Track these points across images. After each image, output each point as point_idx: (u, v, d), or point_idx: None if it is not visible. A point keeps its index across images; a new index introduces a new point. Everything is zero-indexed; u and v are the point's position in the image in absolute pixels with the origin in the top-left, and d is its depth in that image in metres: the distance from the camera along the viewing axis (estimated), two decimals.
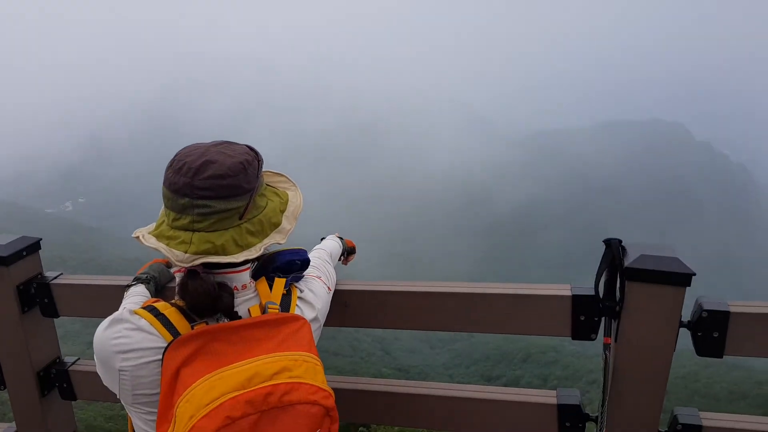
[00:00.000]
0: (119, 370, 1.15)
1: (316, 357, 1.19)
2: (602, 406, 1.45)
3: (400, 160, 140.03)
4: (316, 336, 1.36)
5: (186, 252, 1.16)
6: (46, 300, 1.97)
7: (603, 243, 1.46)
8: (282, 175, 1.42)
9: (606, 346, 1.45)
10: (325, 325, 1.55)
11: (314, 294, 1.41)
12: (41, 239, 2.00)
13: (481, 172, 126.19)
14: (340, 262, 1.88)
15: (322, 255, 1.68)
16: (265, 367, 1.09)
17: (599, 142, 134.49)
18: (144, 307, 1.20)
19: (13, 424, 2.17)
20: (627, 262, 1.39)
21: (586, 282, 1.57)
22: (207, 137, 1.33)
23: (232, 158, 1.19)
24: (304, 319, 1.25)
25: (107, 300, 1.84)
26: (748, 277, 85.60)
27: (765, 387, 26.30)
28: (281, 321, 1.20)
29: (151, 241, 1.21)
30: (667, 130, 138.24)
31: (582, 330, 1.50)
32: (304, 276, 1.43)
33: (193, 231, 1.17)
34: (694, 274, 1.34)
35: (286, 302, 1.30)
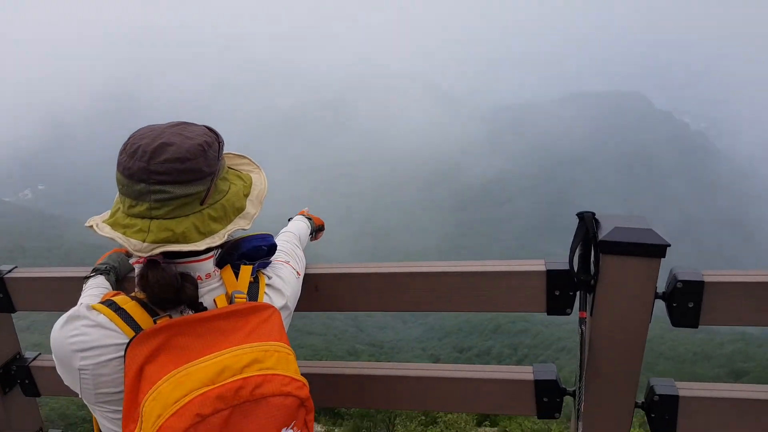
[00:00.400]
0: (79, 370, 1.09)
1: (287, 346, 1.14)
2: (579, 380, 1.44)
3: (367, 137, 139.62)
4: (286, 323, 1.32)
5: (144, 241, 1.09)
6: (0, 295, 1.87)
7: (576, 217, 1.43)
8: (244, 157, 1.35)
9: (582, 321, 1.43)
10: (295, 309, 1.50)
11: (283, 280, 1.35)
12: None
13: (448, 148, 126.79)
14: (310, 239, 1.83)
15: (291, 238, 1.62)
16: (234, 360, 1.03)
17: (562, 114, 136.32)
18: (102, 302, 1.13)
19: None
20: (601, 235, 1.37)
21: (556, 253, 1.54)
22: (171, 118, 1.26)
23: (190, 140, 1.12)
24: (273, 307, 1.20)
25: (66, 292, 1.76)
26: (710, 242, 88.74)
27: (726, 348, 27.53)
28: (249, 310, 1.15)
29: (106, 230, 1.13)
30: (628, 100, 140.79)
31: (557, 305, 1.49)
32: (271, 261, 1.38)
33: (151, 218, 1.09)
34: (669, 245, 1.32)
35: (253, 290, 1.25)
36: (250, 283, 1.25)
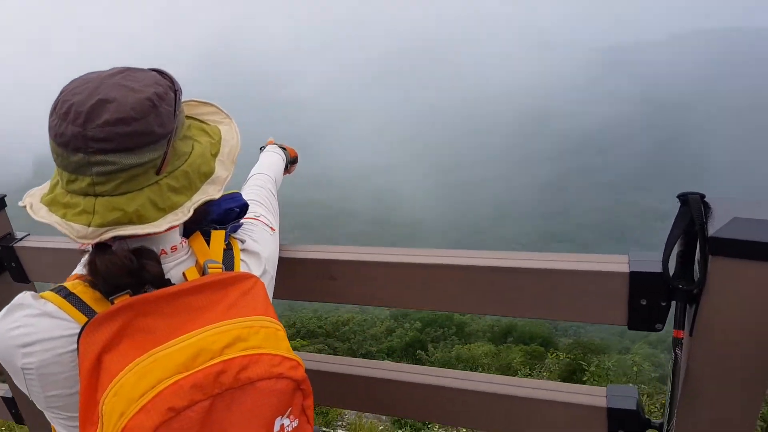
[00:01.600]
0: (23, 369, 0.90)
1: (275, 320, 0.95)
2: (669, 417, 1.08)
3: (457, 84, 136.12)
4: (269, 293, 1.12)
5: (89, 225, 0.87)
6: (13, 264, 1.75)
7: (678, 199, 1.03)
8: (211, 105, 1.09)
9: (677, 341, 1.06)
10: (309, 299, 1.34)
11: (257, 242, 1.15)
12: (5, 196, 1.76)
13: (545, 94, 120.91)
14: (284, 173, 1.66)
15: (265, 182, 1.39)
16: (212, 340, 0.85)
17: (674, 54, 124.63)
18: (53, 288, 0.94)
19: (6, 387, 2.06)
20: (712, 229, 0.97)
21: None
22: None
23: (135, 93, 0.88)
24: (255, 276, 0.99)
25: (74, 264, 1.61)
26: None
27: None
28: (227, 281, 0.95)
29: (42, 214, 0.92)
30: (750, 38, 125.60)
31: (642, 318, 1.11)
32: (242, 223, 1.15)
33: (96, 196, 0.87)
34: None
35: (228, 258, 1.04)
36: (224, 250, 1.05)
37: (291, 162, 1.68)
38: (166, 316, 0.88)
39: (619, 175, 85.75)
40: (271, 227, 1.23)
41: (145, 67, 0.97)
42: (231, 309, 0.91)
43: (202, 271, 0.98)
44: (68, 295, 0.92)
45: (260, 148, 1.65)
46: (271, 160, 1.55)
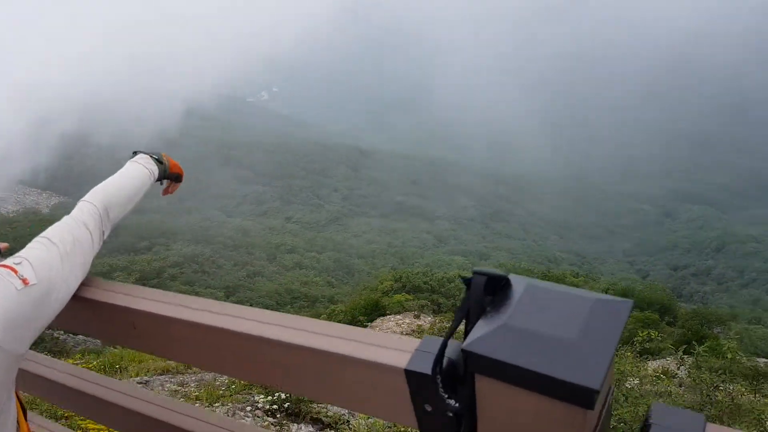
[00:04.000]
0: None
1: None
2: None
3: (594, 25, 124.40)
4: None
5: None
6: None
7: (462, 281, 0.75)
8: None
9: None
10: (114, 344, 1.05)
11: None
12: None
13: (709, 44, 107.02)
14: (161, 193, 1.47)
15: (84, 215, 1.16)
16: None
17: None
18: None
19: None
20: (470, 337, 0.69)
21: None
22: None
23: None
24: None
25: None
26: None
27: None
28: None
29: None
30: None
31: (434, 427, 0.82)
32: None
33: None
34: (598, 391, 0.59)
35: None
36: None
37: (174, 179, 1.47)
38: None
39: None
40: (24, 280, 0.95)
41: None
42: None
43: None
44: None
45: (133, 153, 1.41)
46: (129, 175, 1.32)
